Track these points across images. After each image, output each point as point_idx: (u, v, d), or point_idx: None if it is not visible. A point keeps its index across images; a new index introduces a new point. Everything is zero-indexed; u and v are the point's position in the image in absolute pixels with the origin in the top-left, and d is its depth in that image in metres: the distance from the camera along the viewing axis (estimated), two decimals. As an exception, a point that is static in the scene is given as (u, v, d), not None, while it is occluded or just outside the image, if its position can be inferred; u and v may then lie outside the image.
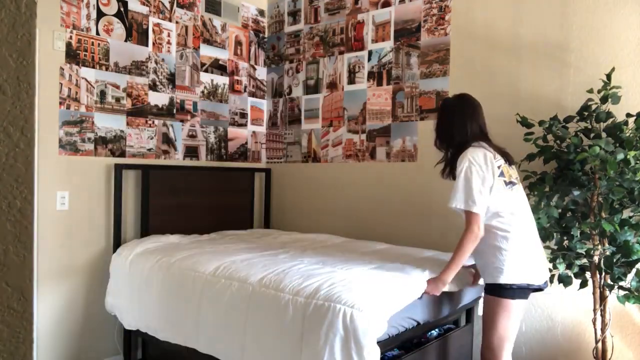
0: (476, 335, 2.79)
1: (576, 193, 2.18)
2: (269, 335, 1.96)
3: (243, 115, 3.80)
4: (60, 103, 2.75)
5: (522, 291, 1.97)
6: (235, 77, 3.73)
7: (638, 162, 2.06)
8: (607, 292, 2.24)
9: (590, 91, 2.27)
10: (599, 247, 2.16)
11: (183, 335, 2.31)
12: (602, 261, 2.19)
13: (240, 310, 2.08)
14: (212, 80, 3.55)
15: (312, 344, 1.81)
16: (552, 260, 2.26)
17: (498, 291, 1.98)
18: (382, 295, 1.91)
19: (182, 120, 3.36)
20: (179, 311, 2.34)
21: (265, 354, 1.96)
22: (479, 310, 2.25)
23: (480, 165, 1.96)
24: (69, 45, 2.77)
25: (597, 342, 2.25)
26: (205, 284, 2.26)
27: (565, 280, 2.29)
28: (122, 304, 2.66)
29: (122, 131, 3.03)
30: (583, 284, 2.27)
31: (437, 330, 2.51)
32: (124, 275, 2.67)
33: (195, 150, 3.45)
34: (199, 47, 3.46)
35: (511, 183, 2.02)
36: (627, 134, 2.18)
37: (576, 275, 2.29)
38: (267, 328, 1.97)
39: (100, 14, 2.92)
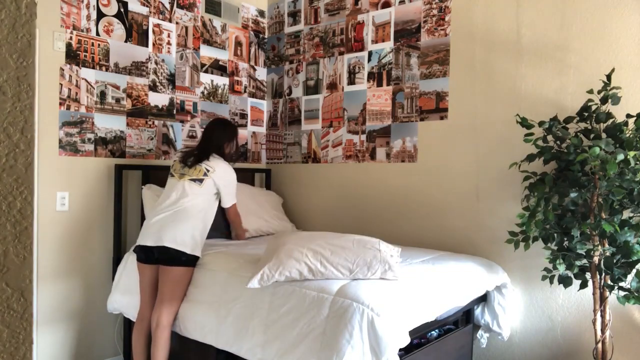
0: (476, 336, 2.80)
1: (573, 195, 2.18)
2: (292, 331, 1.96)
3: (243, 115, 3.81)
4: (60, 104, 2.75)
5: (138, 252, 2.52)
6: (235, 78, 3.73)
7: (638, 162, 2.06)
8: (607, 293, 2.23)
9: (590, 92, 2.27)
10: (599, 247, 2.16)
11: (201, 331, 2.32)
12: (602, 262, 2.19)
13: (262, 307, 2.09)
14: (212, 81, 3.56)
15: (334, 341, 1.81)
16: (552, 260, 2.26)
17: None
18: (409, 305, 1.97)
19: (182, 121, 3.36)
20: (199, 308, 2.36)
21: (287, 350, 1.96)
22: None
23: None
24: (69, 45, 2.77)
25: (597, 342, 2.25)
26: (226, 280, 2.29)
27: (565, 281, 2.29)
28: (136, 302, 2.65)
29: (122, 132, 3.03)
30: (583, 285, 2.27)
31: (437, 330, 2.51)
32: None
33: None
34: (199, 48, 3.46)
35: (171, 175, 2.61)
36: (627, 135, 2.18)
37: (576, 276, 2.29)
38: (290, 324, 1.97)
39: (100, 15, 2.92)
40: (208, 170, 2.56)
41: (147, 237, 2.44)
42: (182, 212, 2.46)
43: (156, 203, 2.59)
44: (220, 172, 2.60)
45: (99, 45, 2.92)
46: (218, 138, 2.68)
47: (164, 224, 2.43)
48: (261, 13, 3.93)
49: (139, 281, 2.57)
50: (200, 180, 2.53)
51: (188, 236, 2.43)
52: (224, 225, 3.20)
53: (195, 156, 2.59)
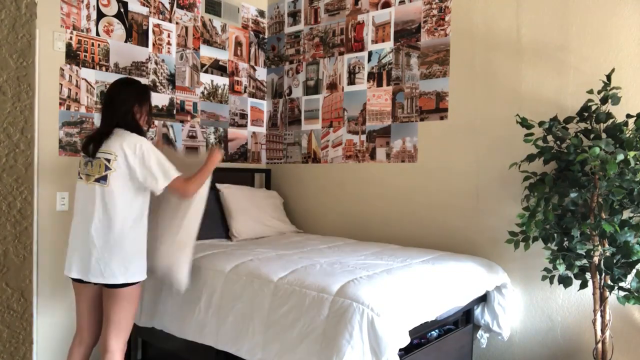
0: (476, 337, 2.80)
1: (573, 195, 2.18)
2: (291, 331, 1.96)
3: (243, 116, 3.81)
4: (60, 104, 2.75)
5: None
6: (235, 78, 3.73)
7: (638, 162, 2.06)
8: (607, 293, 2.24)
9: (590, 92, 2.27)
10: (599, 247, 2.16)
11: (201, 332, 2.32)
12: (602, 262, 2.19)
13: (262, 307, 2.09)
14: (212, 81, 3.55)
15: (334, 342, 1.81)
16: (552, 260, 2.26)
17: None
18: (409, 305, 1.97)
19: (182, 121, 3.36)
20: (199, 309, 2.35)
21: (287, 351, 1.96)
22: None
23: None
24: (69, 46, 2.77)
25: (597, 342, 2.25)
26: (225, 282, 2.28)
27: (565, 281, 2.29)
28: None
29: (122, 132, 3.03)
30: (583, 285, 2.27)
31: (437, 331, 2.51)
32: None
33: (195, 151, 3.45)
34: (199, 48, 3.46)
35: (78, 176, 2.03)
36: (627, 135, 2.18)
37: (576, 276, 2.29)
38: (290, 324, 1.97)
39: (100, 15, 2.92)
40: (108, 160, 1.90)
41: (72, 268, 2.00)
42: (104, 237, 1.93)
43: (74, 212, 2.06)
44: (126, 150, 1.91)
45: (99, 45, 2.92)
46: (123, 101, 2.06)
47: (86, 254, 1.95)
48: (261, 13, 3.93)
49: (75, 302, 2.15)
50: (104, 178, 1.88)
51: (117, 266, 1.95)
52: (224, 225, 3.20)
53: (94, 141, 1.94)
